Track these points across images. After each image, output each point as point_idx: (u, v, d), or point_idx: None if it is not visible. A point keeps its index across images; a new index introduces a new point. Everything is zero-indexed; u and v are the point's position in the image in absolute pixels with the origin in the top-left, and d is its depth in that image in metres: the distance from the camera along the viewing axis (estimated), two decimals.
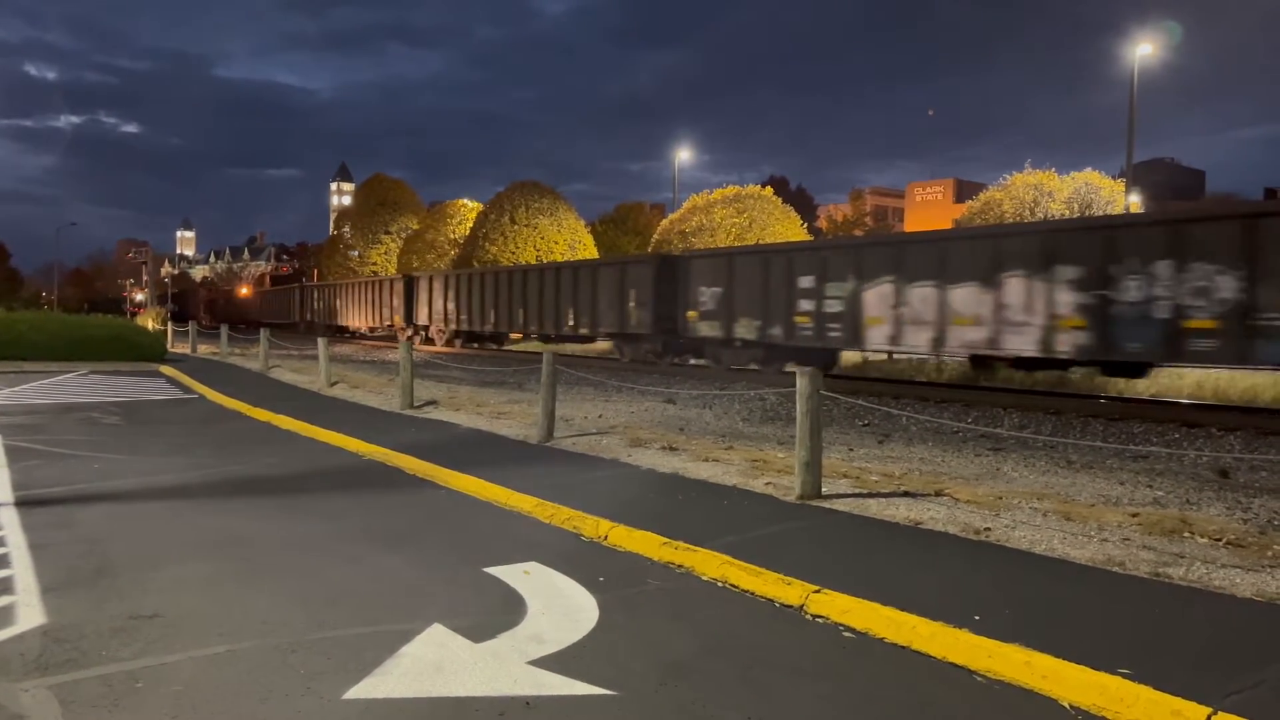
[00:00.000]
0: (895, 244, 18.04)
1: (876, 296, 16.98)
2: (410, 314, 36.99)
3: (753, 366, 20.04)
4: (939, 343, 16.08)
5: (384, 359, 28.13)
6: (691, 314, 21.67)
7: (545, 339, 29.71)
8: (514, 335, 32.70)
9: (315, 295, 50.57)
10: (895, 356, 22.30)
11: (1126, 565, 5.29)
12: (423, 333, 36.24)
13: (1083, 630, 4.22)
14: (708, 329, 21.16)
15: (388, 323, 39.26)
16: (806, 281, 18.47)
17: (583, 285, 25.35)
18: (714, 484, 7.80)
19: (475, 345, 34.06)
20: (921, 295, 16.18)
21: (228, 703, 3.61)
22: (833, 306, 17.92)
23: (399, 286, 38.02)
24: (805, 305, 18.50)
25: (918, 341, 16.46)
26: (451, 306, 33.42)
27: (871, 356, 22.85)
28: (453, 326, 33.61)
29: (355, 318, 43.40)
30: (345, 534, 6.38)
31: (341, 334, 46.06)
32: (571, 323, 25.95)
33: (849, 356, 22.77)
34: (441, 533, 6.47)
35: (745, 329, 20.04)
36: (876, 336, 17.20)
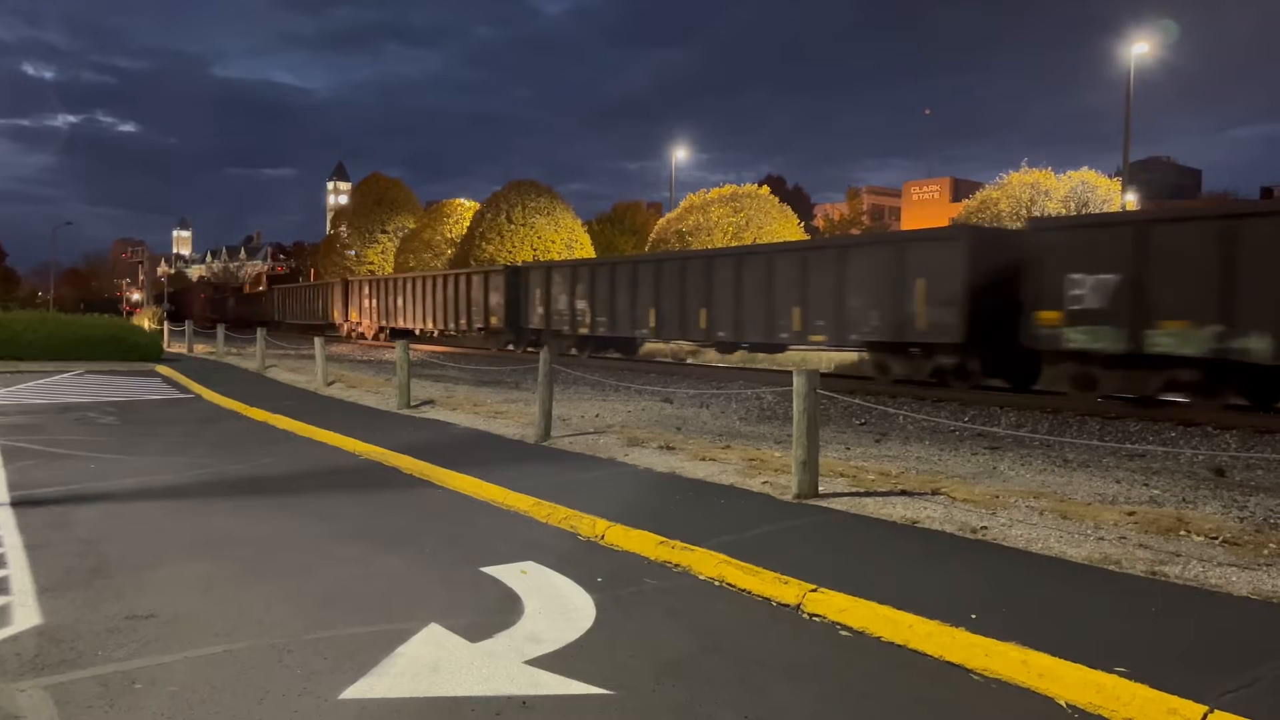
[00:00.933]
0: None
1: None
2: (517, 315, 29.41)
3: (1177, 398, 13.47)
4: None
5: (380, 358, 28.12)
6: (1049, 315, 14.35)
7: (726, 348, 23.12)
8: (705, 350, 26.54)
9: (366, 291, 41.73)
10: None
11: (1123, 564, 5.30)
12: (531, 337, 29.18)
13: (1079, 629, 4.22)
14: (1085, 338, 13.88)
15: (479, 325, 31.87)
16: None
17: (815, 275, 18.27)
18: (711, 483, 7.80)
19: (604, 354, 26.68)
20: None
21: (224, 703, 3.60)
22: None
23: (498, 280, 30.10)
24: None
25: None
26: (582, 305, 25.85)
27: None
28: (583, 330, 25.85)
29: (427, 319, 35.25)
30: (342, 534, 6.38)
31: (409, 337, 37.49)
32: (797, 326, 18.76)
33: None
34: (438, 532, 6.47)
35: (1175, 340, 12.80)
36: None
